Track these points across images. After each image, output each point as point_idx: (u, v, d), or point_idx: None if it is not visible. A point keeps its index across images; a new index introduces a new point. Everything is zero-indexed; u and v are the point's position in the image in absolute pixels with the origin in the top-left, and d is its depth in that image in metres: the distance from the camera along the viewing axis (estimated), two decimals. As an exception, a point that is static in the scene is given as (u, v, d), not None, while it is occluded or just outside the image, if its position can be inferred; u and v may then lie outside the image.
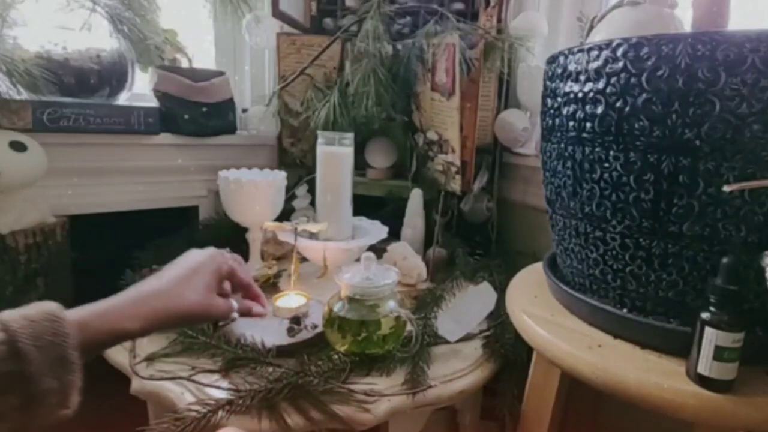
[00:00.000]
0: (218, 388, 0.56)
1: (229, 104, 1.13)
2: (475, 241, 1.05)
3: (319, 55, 1.05)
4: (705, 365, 0.42)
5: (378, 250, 0.84)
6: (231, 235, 0.97)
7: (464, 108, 0.94)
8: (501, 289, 0.78)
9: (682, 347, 0.45)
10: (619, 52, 0.47)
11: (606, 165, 0.50)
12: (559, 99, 0.55)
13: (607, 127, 0.49)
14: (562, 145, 0.55)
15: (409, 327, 0.64)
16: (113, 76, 0.96)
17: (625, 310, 0.52)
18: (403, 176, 1.13)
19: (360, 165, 1.11)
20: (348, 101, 0.99)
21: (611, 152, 0.49)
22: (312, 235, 0.81)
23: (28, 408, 0.32)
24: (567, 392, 0.62)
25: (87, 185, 0.99)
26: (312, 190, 1.02)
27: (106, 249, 0.95)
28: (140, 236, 0.95)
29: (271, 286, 0.85)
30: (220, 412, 0.52)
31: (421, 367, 0.61)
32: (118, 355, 0.63)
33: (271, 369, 0.59)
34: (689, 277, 0.47)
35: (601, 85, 0.49)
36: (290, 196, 1.04)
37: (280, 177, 0.94)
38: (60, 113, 0.89)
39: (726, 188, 0.42)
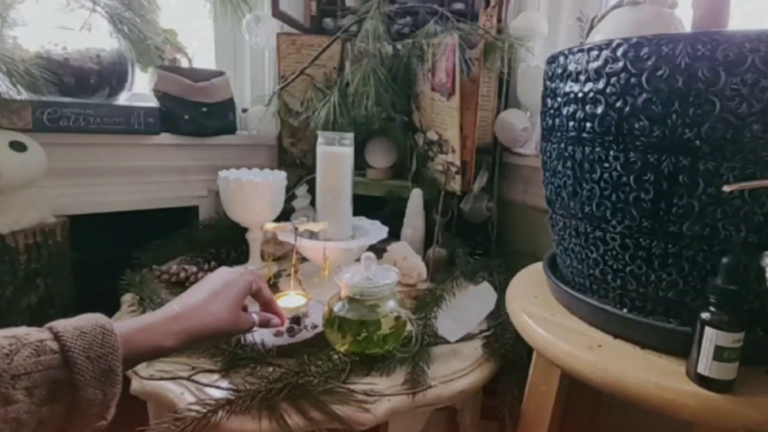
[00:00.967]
0: (218, 388, 0.56)
1: (229, 104, 1.14)
2: (475, 241, 1.05)
3: (319, 55, 1.05)
4: (705, 365, 0.42)
5: (378, 250, 0.84)
6: (231, 235, 0.97)
7: (464, 108, 0.94)
8: (501, 289, 0.78)
9: (682, 347, 0.45)
10: (619, 52, 0.47)
11: (606, 165, 0.50)
12: (559, 99, 0.55)
13: (607, 127, 0.49)
14: (562, 145, 0.55)
15: (409, 327, 0.64)
16: (113, 76, 0.96)
17: (625, 310, 0.52)
18: (403, 176, 1.13)
19: (360, 165, 1.11)
20: (348, 101, 0.99)
21: (611, 152, 0.49)
22: (312, 235, 0.81)
23: (70, 417, 0.33)
24: (567, 392, 0.62)
25: (87, 185, 0.99)
26: (312, 190, 1.02)
27: (106, 249, 0.95)
28: (140, 236, 0.95)
29: (271, 286, 0.85)
30: (220, 412, 0.52)
31: (421, 367, 0.61)
32: (118, 355, 0.63)
33: (271, 369, 0.59)
34: (689, 277, 0.47)
35: (601, 85, 0.49)
36: (290, 196, 1.04)
37: (280, 177, 0.94)
38: (60, 113, 0.89)
39: (726, 188, 0.42)
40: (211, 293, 0.46)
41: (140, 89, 1.09)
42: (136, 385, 0.58)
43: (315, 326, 0.68)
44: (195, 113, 1.06)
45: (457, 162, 0.98)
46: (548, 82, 0.59)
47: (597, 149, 0.50)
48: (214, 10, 1.08)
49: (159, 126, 1.02)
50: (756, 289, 0.44)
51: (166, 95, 1.04)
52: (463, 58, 0.91)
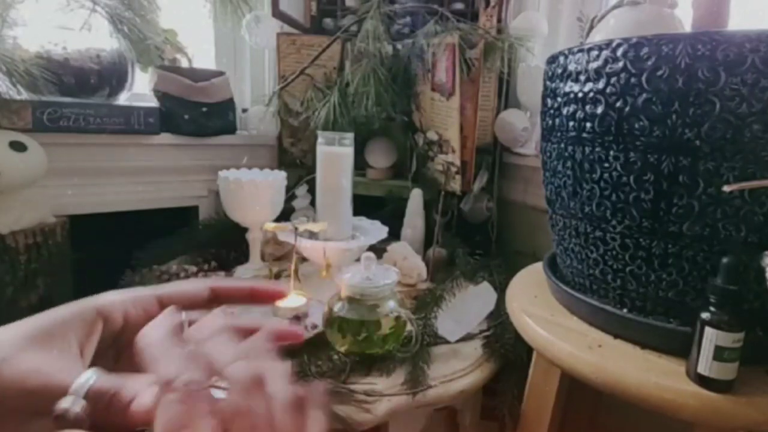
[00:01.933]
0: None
1: (229, 104, 1.14)
2: (475, 241, 1.05)
3: (319, 55, 1.05)
4: (705, 365, 0.42)
5: (378, 250, 0.84)
6: (231, 235, 0.97)
7: (464, 108, 0.94)
8: (501, 289, 0.78)
9: (682, 347, 0.45)
10: (619, 52, 0.47)
11: (606, 165, 0.50)
12: (559, 99, 0.55)
13: (607, 127, 0.49)
14: (562, 145, 0.55)
15: (409, 327, 0.64)
16: (113, 76, 0.96)
17: (625, 310, 0.52)
18: (403, 176, 1.13)
19: (360, 165, 1.11)
20: (348, 101, 0.99)
21: (611, 152, 0.49)
22: (312, 235, 0.81)
23: None
24: (567, 392, 0.62)
25: (87, 185, 0.99)
26: (312, 190, 1.02)
27: (106, 249, 0.95)
28: (140, 236, 0.95)
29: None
30: (220, 412, 0.52)
31: (421, 367, 0.61)
32: (118, 355, 0.63)
33: (271, 369, 0.58)
34: (689, 277, 0.47)
35: (601, 85, 0.49)
36: (290, 196, 1.04)
37: (280, 177, 0.94)
38: (60, 113, 0.89)
39: (726, 188, 0.42)
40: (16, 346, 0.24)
41: (140, 89, 1.09)
42: (136, 385, 0.58)
43: (315, 326, 0.68)
44: (195, 113, 1.06)
45: (457, 162, 0.98)
46: (548, 82, 0.59)
47: (597, 149, 0.50)
48: (214, 10, 1.07)
49: (159, 126, 1.02)
50: (756, 289, 0.44)
51: (166, 95, 1.04)
52: (463, 58, 0.91)
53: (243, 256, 0.96)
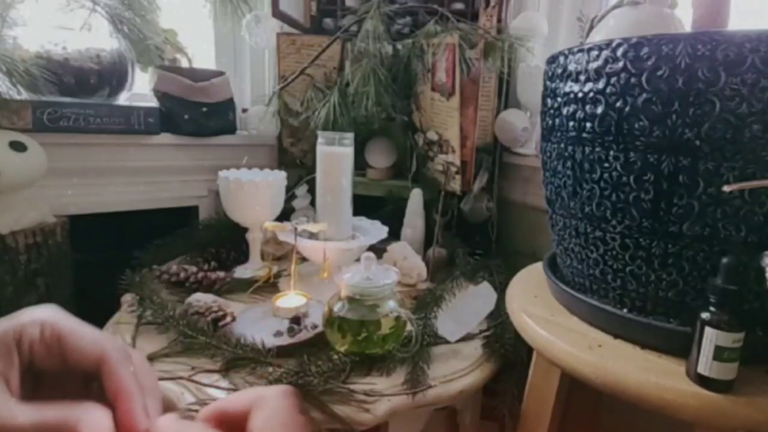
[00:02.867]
0: (218, 388, 0.56)
1: (229, 104, 1.14)
2: (475, 241, 1.05)
3: (319, 55, 1.05)
4: (705, 365, 0.42)
5: (378, 250, 0.84)
6: (231, 235, 0.97)
7: (464, 108, 0.94)
8: (501, 289, 0.78)
9: (682, 347, 0.45)
10: (619, 52, 0.47)
11: (606, 165, 0.50)
12: (559, 99, 0.55)
13: (607, 127, 0.49)
14: (562, 145, 0.55)
15: (409, 327, 0.64)
16: (113, 76, 0.96)
17: (625, 310, 0.52)
18: (403, 176, 1.13)
19: (360, 165, 1.11)
20: (348, 101, 0.99)
21: (611, 152, 0.49)
22: (312, 235, 0.81)
23: None
24: (567, 392, 0.62)
25: (87, 185, 0.99)
26: (312, 190, 1.02)
27: (106, 249, 0.95)
28: (140, 236, 0.95)
29: (271, 285, 0.85)
30: (220, 412, 0.52)
31: (421, 367, 0.61)
32: (118, 355, 0.63)
33: (271, 369, 0.59)
34: (689, 277, 0.47)
35: (601, 85, 0.49)
36: (290, 196, 1.04)
37: (280, 177, 0.94)
38: (60, 113, 0.89)
39: (726, 188, 0.42)
40: None
41: (140, 89, 1.09)
42: (136, 385, 0.58)
43: (315, 326, 0.68)
44: (195, 113, 1.06)
45: (457, 162, 0.98)
46: (548, 82, 0.59)
47: (597, 149, 0.50)
48: (214, 10, 1.08)
49: (159, 126, 1.02)
50: (756, 289, 0.44)
51: (166, 95, 1.04)
52: (463, 58, 0.91)
53: (243, 256, 0.96)
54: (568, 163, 0.54)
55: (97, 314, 0.74)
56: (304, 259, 0.89)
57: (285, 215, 0.98)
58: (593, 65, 0.49)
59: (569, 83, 0.53)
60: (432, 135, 1.02)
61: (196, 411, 0.49)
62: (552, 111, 0.57)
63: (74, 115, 0.90)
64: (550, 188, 0.60)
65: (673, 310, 0.49)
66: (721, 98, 0.42)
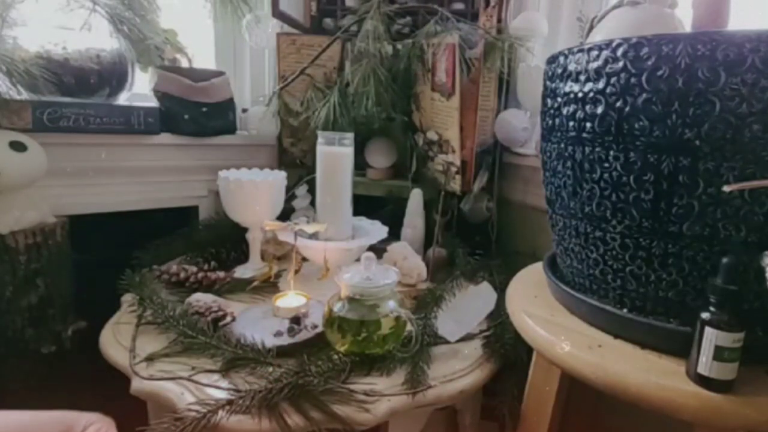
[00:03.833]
0: (218, 388, 0.56)
1: (229, 104, 1.13)
2: (475, 241, 1.05)
3: (319, 55, 1.05)
4: (705, 365, 0.42)
5: (378, 250, 0.84)
6: (231, 235, 0.98)
7: (464, 108, 0.94)
8: (501, 289, 0.78)
9: (682, 347, 0.45)
10: (619, 52, 0.47)
11: (606, 165, 0.50)
12: (559, 99, 0.55)
13: (607, 127, 0.49)
14: (562, 145, 0.55)
15: (409, 327, 0.64)
16: (113, 76, 0.96)
17: (625, 310, 0.52)
18: (403, 176, 1.13)
19: (360, 165, 1.11)
20: (348, 101, 0.99)
21: (611, 152, 0.49)
22: (312, 235, 0.81)
23: None
24: (567, 392, 0.62)
25: (87, 185, 0.99)
26: (312, 190, 1.02)
27: (106, 249, 0.95)
28: (140, 236, 0.95)
29: (272, 285, 0.85)
30: (220, 412, 0.52)
31: (421, 367, 0.61)
32: (117, 355, 0.63)
33: (271, 369, 0.59)
34: (689, 277, 0.47)
35: (601, 85, 0.49)
36: (290, 196, 1.04)
37: (280, 177, 0.94)
38: (60, 113, 0.89)
39: (726, 188, 0.42)
40: None
41: (140, 89, 1.09)
42: (136, 385, 0.58)
43: (315, 326, 0.68)
44: (195, 113, 1.06)
45: (457, 162, 0.98)
46: (548, 82, 0.59)
47: (597, 149, 0.50)
48: (214, 10, 1.08)
49: (159, 126, 1.02)
50: (756, 289, 0.44)
51: (166, 95, 1.04)
52: (463, 58, 0.91)
53: (243, 256, 0.96)
54: (568, 163, 0.54)
55: (97, 314, 0.74)
56: (304, 259, 0.89)
57: (285, 215, 0.98)
58: (593, 65, 0.49)
59: (569, 83, 0.53)
60: (432, 135, 1.02)
61: (196, 411, 0.49)
62: (552, 111, 0.57)
63: (74, 115, 0.90)
64: (550, 188, 0.60)
65: (673, 310, 0.49)
66: (721, 98, 0.42)
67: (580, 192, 0.53)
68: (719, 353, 0.41)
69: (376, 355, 0.62)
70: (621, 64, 0.47)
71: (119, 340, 0.66)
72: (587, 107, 0.50)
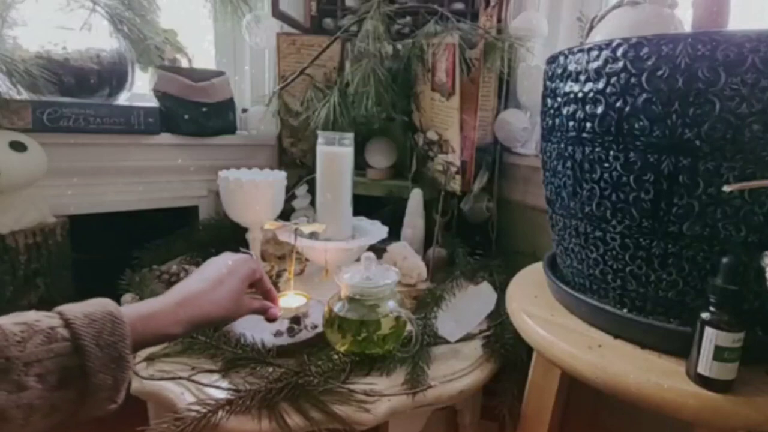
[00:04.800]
0: (218, 388, 0.56)
1: (229, 104, 1.13)
2: (475, 241, 1.05)
3: (319, 55, 1.05)
4: (705, 365, 0.42)
5: (378, 250, 0.84)
6: (231, 235, 0.97)
7: (464, 108, 0.94)
8: (501, 289, 0.78)
9: (682, 347, 0.45)
10: (619, 52, 0.47)
11: (606, 165, 0.50)
12: (559, 99, 0.55)
13: (607, 127, 0.49)
14: (562, 145, 0.55)
15: (409, 327, 0.64)
16: (113, 76, 0.96)
17: (625, 310, 0.52)
18: (403, 176, 1.13)
19: (360, 165, 1.11)
20: (348, 101, 0.99)
21: (611, 152, 0.49)
22: (312, 235, 0.81)
23: (82, 402, 0.34)
24: (567, 392, 0.62)
25: (87, 185, 0.99)
26: (312, 190, 1.02)
27: (106, 249, 0.95)
28: (140, 236, 0.95)
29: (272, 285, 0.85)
30: (220, 412, 0.52)
31: (421, 367, 0.61)
32: (118, 355, 0.63)
33: (271, 369, 0.59)
34: (689, 277, 0.47)
35: (601, 85, 0.49)
36: (290, 196, 1.04)
37: (280, 177, 0.94)
38: (60, 113, 0.89)
39: (726, 188, 0.42)
40: (215, 281, 0.46)
41: (140, 89, 1.09)
42: (136, 385, 0.58)
43: (315, 326, 0.68)
44: (195, 113, 1.06)
45: (457, 162, 0.98)
46: (548, 82, 0.59)
47: (597, 149, 0.50)
48: (214, 10, 1.08)
49: (159, 126, 1.02)
50: (756, 289, 0.44)
51: (166, 95, 1.04)
52: (463, 58, 0.91)
53: (243, 256, 0.96)
54: (568, 163, 0.54)
55: (97, 314, 0.74)
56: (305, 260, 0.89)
57: (285, 215, 0.98)
58: (593, 65, 0.49)
59: (569, 83, 0.53)
60: (432, 135, 1.02)
61: (196, 411, 0.49)
62: (552, 111, 0.57)
63: (74, 115, 0.90)
64: (550, 188, 0.60)
65: (673, 310, 0.49)
66: (721, 98, 0.42)
67: (580, 192, 0.53)
68: (719, 353, 0.41)
69: (376, 355, 0.62)
70: (621, 64, 0.47)
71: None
72: (587, 107, 0.50)
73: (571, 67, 0.53)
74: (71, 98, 0.92)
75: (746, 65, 0.41)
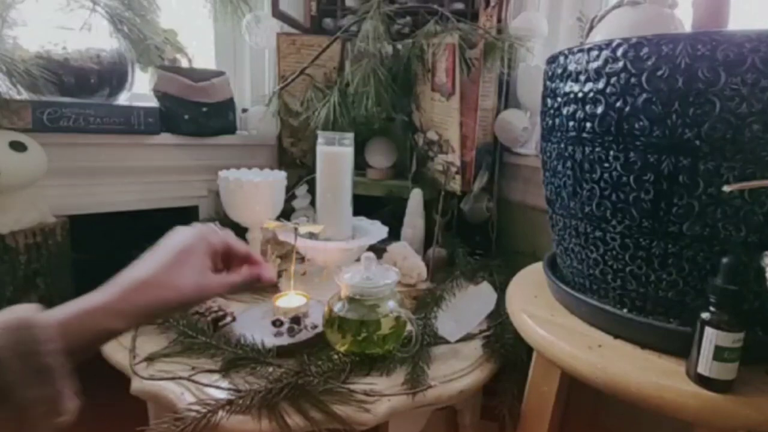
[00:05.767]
0: (218, 388, 0.56)
1: (229, 104, 1.13)
2: (475, 241, 1.05)
3: (319, 55, 1.05)
4: (705, 365, 0.42)
5: (378, 250, 0.84)
6: (231, 235, 0.97)
7: (464, 108, 0.93)
8: (501, 289, 0.78)
9: (682, 347, 0.45)
10: (619, 52, 0.47)
11: (606, 165, 0.50)
12: (559, 99, 0.55)
13: (607, 127, 0.49)
14: (562, 145, 0.55)
15: (409, 327, 0.64)
16: (113, 76, 0.96)
17: (625, 310, 0.52)
18: (403, 176, 1.13)
19: (360, 165, 1.11)
20: (348, 101, 0.99)
21: (611, 152, 0.49)
22: (312, 235, 0.81)
23: (22, 419, 0.30)
24: (567, 392, 0.62)
25: (87, 185, 0.99)
26: (312, 190, 1.02)
27: (106, 249, 0.95)
28: (140, 236, 0.95)
29: (271, 286, 0.85)
30: (220, 412, 0.52)
31: (421, 367, 0.61)
32: (117, 354, 0.63)
33: (271, 369, 0.59)
34: (689, 277, 0.47)
35: (601, 85, 0.49)
36: (290, 196, 1.04)
37: (280, 177, 0.94)
38: (60, 113, 0.89)
39: (726, 188, 0.42)
40: (167, 263, 0.41)
41: (140, 89, 1.09)
42: (136, 385, 0.58)
43: (315, 326, 0.68)
44: (195, 113, 1.06)
45: (457, 162, 0.98)
46: (548, 82, 0.59)
47: (597, 149, 0.50)
48: (214, 10, 1.08)
49: (159, 126, 1.02)
50: (756, 289, 0.44)
51: (166, 95, 1.04)
52: (463, 58, 0.91)
53: (243, 256, 0.96)
54: (568, 163, 0.54)
55: (97, 314, 0.74)
56: (305, 259, 0.89)
57: (285, 215, 0.98)
58: (593, 65, 0.49)
59: (569, 83, 0.53)
60: (432, 135, 1.02)
61: (196, 411, 0.49)
62: (552, 111, 0.57)
63: (74, 115, 0.90)
64: (550, 188, 0.60)
65: (673, 310, 0.49)
66: (721, 98, 0.42)
67: (580, 192, 0.53)
68: (719, 353, 0.41)
69: (376, 355, 0.62)
70: (621, 64, 0.47)
71: (119, 340, 0.66)
72: (587, 107, 0.50)
73: (571, 67, 0.53)
74: (71, 98, 0.92)
75: (746, 65, 0.41)
